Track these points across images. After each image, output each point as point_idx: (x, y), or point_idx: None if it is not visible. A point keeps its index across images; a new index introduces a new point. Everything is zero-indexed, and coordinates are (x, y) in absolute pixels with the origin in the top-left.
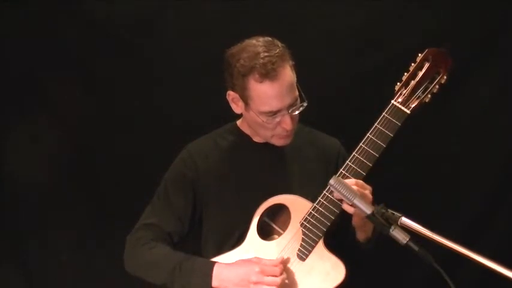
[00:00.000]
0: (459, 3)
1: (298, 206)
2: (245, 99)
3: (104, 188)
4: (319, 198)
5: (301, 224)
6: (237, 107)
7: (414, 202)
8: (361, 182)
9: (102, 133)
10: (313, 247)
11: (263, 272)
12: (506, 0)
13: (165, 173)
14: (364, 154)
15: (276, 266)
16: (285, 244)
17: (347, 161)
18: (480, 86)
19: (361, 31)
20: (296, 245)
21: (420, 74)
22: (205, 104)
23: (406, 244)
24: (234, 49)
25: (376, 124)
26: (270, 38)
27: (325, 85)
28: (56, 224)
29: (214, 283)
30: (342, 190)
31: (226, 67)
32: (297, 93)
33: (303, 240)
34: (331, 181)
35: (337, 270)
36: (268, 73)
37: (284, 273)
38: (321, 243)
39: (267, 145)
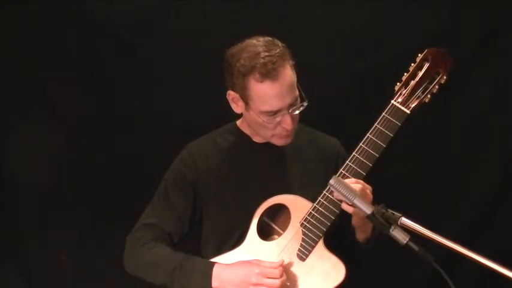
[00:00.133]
0: (459, 3)
1: (298, 206)
2: (245, 99)
3: (104, 188)
4: (319, 198)
5: (301, 224)
6: (237, 106)
7: (414, 202)
8: (361, 181)
9: (102, 133)
10: (313, 247)
11: (263, 274)
12: (506, 0)
13: (165, 173)
14: (364, 154)
15: (276, 268)
16: (285, 244)
17: (347, 161)
18: (480, 86)
19: (361, 31)
20: (296, 245)
21: (420, 74)
22: (205, 104)
23: (406, 244)
24: (234, 49)
25: (376, 124)
26: (270, 38)
27: (325, 85)
28: (56, 224)
29: (214, 283)
30: (342, 190)
31: (226, 67)
32: (297, 92)
33: (303, 240)
34: (331, 181)
35: (337, 270)
36: (269, 73)
37: (284, 275)
38: (321, 243)
39: (267, 145)
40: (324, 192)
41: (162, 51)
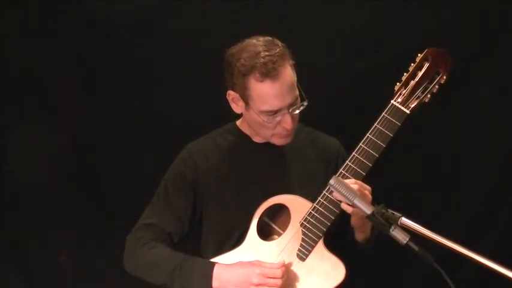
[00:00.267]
0: (459, 3)
1: (298, 206)
2: (245, 99)
3: (104, 188)
4: (319, 198)
5: (301, 224)
6: (237, 106)
7: (414, 202)
8: (359, 182)
9: (102, 133)
10: (313, 247)
11: (264, 274)
12: (506, 0)
13: (165, 173)
14: (363, 154)
15: (277, 268)
16: (285, 244)
17: (347, 161)
18: (480, 86)
19: (361, 31)
20: (296, 245)
21: (420, 74)
22: (205, 104)
23: (406, 244)
24: (234, 49)
25: (375, 124)
26: (270, 38)
27: (325, 85)
28: (56, 224)
29: (214, 284)
30: (342, 190)
31: (226, 67)
32: (297, 92)
33: (302, 240)
34: (331, 181)
35: (337, 270)
36: (269, 72)
37: (285, 275)
38: (320, 243)
39: (267, 145)
40: (324, 192)
41: (162, 51)
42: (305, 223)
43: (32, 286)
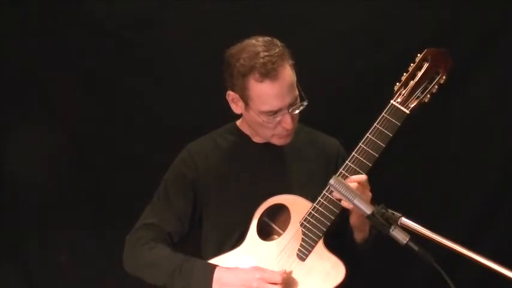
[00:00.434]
0: (459, 3)
1: (298, 206)
2: (245, 99)
3: (104, 188)
4: (319, 198)
5: (301, 224)
6: (237, 107)
7: (414, 202)
8: (357, 179)
9: (102, 133)
10: (313, 247)
11: (264, 279)
12: (506, 0)
13: (165, 173)
14: (363, 154)
15: (277, 273)
16: (285, 244)
17: (346, 161)
18: (480, 86)
19: (361, 31)
20: (296, 245)
21: (419, 74)
22: (205, 104)
23: (406, 244)
24: (234, 49)
25: (375, 124)
26: (269, 38)
27: (325, 85)
28: (56, 224)
29: (214, 287)
30: (342, 190)
31: (226, 67)
32: (297, 92)
33: (302, 240)
34: (331, 181)
35: (337, 270)
36: (269, 73)
37: (285, 281)
38: (320, 243)
39: (267, 145)
40: (324, 192)
41: (162, 51)
42: (305, 223)
43: (32, 286)
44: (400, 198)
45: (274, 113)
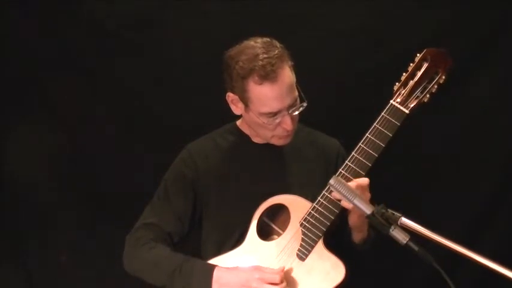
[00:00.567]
0: (459, 3)
1: (297, 206)
2: (245, 101)
3: (104, 188)
4: (319, 198)
5: (301, 224)
6: (237, 108)
7: (414, 202)
8: (361, 181)
9: (102, 133)
10: (312, 247)
11: (263, 279)
12: (506, 0)
13: (165, 173)
14: (363, 154)
15: (276, 273)
16: (285, 244)
17: (346, 161)
18: (480, 86)
19: (361, 31)
20: (296, 245)
21: (419, 74)
22: (205, 104)
23: (406, 244)
24: (233, 51)
25: (375, 124)
26: (268, 39)
27: (325, 85)
28: (56, 224)
29: (214, 287)
30: (341, 190)
31: (225, 69)
32: (296, 93)
33: (302, 240)
34: (331, 181)
35: (336, 270)
36: (268, 75)
37: (284, 280)
38: (320, 243)
39: (266, 145)
40: (324, 192)
41: (162, 51)
42: (305, 223)
43: (32, 286)
44: (400, 198)
45: (274, 114)
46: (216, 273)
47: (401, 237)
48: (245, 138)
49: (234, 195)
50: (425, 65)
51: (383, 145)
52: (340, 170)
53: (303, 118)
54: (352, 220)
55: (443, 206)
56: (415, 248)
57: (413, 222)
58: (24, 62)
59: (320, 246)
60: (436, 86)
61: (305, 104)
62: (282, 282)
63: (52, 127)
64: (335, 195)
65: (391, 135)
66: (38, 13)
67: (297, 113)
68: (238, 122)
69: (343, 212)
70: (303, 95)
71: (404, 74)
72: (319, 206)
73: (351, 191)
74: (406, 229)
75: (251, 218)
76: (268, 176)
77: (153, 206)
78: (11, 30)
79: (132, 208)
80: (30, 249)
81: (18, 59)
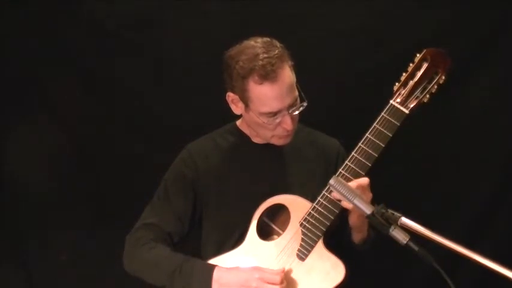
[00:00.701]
0: (459, 3)
1: (297, 206)
2: (245, 101)
3: (104, 188)
4: (319, 198)
5: (301, 224)
6: (237, 108)
7: (414, 202)
8: (361, 182)
9: (102, 133)
10: (312, 247)
11: (263, 279)
12: (506, 0)
13: (165, 173)
14: (363, 154)
15: (276, 274)
16: (285, 244)
17: (346, 161)
18: (480, 86)
19: (361, 31)
20: (296, 245)
21: (419, 74)
22: (205, 104)
23: (406, 244)
24: (233, 51)
25: (375, 124)
26: (268, 39)
27: (325, 85)
28: (56, 224)
29: (214, 287)
30: (341, 190)
31: (225, 69)
32: (296, 93)
33: (302, 240)
34: (331, 181)
35: (336, 270)
36: (268, 74)
37: (284, 281)
38: (320, 243)
39: (266, 145)
40: (324, 192)
41: (162, 51)
42: (305, 223)
43: (32, 286)
44: (400, 198)
45: (274, 114)
46: (215, 273)
47: (401, 237)
48: (245, 138)
49: (234, 195)
50: (425, 65)
51: (383, 145)
52: (340, 170)
53: (303, 118)
54: (352, 220)
55: (443, 206)
56: (415, 248)
57: (413, 222)
58: (24, 62)
59: (320, 246)
60: (436, 86)
61: (305, 104)
62: (282, 282)
63: (52, 127)
64: (335, 195)
65: (391, 135)
66: (38, 13)
67: (297, 112)
68: (238, 122)
69: (343, 212)
70: (303, 95)
71: (404, 74)
72: (319, 206)
73: (351, 191)
74: (406, 229)
75: (251, 218)
76: (268, 176)
77: (153, 206)
78: (11, 30)
79: (132, 208)
80: (30, 249)
81: (18, 59)
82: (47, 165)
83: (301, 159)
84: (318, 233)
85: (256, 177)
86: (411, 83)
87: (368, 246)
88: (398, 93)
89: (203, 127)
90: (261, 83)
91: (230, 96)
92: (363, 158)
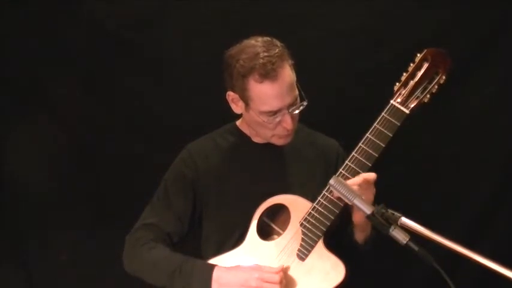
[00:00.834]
0: (459, 3)
1: (297, 206)
2: (245, 100)
3: (104, 188)
4: (319, 198)
5: (301, 224)
6: (237, 107)
7: (414, 202)
8: (364, 177)
9: (102, 133)
10: (312, 247)
11: (263, 278)
12: (506, 0)
13: (165, 173)
14: (363, 154)
15: (275, 273)
16: (285, 244)
17: (346, 161)
18: (480, 86)
19: (361, 31)
20: (296, 245)
21: (419, 74)
22: (205, 104)
23: (406, 244)
24: (233, 50)
25: (375, 124)
26: (269, 38)
27: (325, 85)
28: (56, 224)
29: (213, 286)
30: (341, 190)
31: (225, 68)
32: (297, 92)
33: (302, 240)
34: (331, 181)
35: (336, 270)
36: (268, 73)
37: (284, 280)
38: (320, 243)
39: (267, 145)
40: (324, 192)
41: (162, 51)
42: (305, 223)
43: (32, 286)
44: (400, 198)
45: (274, 113)
46: (215, 273)
47: (401, 237)
48: (245, 138)
49: (234, 195)
50: (425, 65)
51: (383, 145)
52: (340, 170)
53: (303, 118)
54: (356, 218)
55: (443, 206)
56: (415, 248)
57: (413, 222)
58: (24, 62)
59: (320, 246)
60: (436, 86)
61: (305, 103)
62: (281, 281)
63: (52, 127)
64: (336, 195)
65: (391, 135)
66: (38, 13)
67: (297, 111)
68: (238, 122)
69: (343, 212)
70: (303, 94)
71: (404, 74)
72: (319, 206)
73: (351, 191)
74: (406, 229)
75: (251, 218)
76: (268, 176)
77: (153, 206)
78: (11, 30)
79: (132, 208)
80: (30, 249)
81: (18, 59)
82: (47, 165)
83: (301, 159)
84: (318, 233)
85: (256, 177)
86: (412, 83)
87: (369, 246)
88: (398, 93)
89: (203, 127)
90: (261, 82)
91: (230, 95)
92: (363, 158)
